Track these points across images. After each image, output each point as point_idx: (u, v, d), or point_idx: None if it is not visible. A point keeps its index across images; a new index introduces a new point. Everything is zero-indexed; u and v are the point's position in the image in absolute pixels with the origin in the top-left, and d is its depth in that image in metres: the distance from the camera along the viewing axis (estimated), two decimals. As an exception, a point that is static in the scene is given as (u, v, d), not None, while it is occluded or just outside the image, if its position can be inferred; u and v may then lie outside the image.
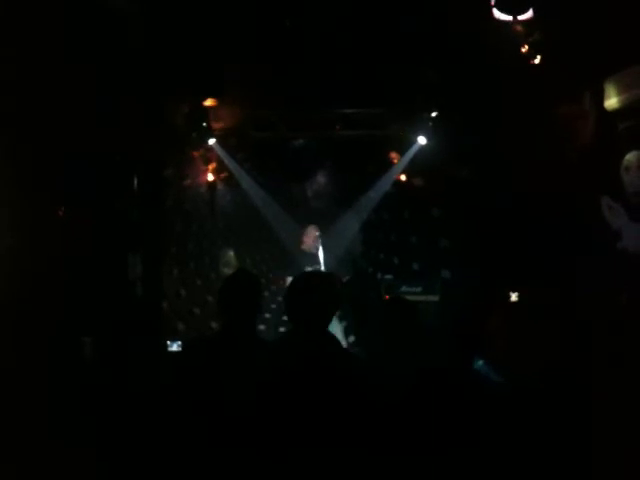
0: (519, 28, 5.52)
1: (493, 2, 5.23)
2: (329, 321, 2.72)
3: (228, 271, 8.13)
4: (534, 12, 5.26)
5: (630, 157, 5.43)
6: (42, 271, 4.40)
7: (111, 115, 5.39)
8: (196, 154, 8.38)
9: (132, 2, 5.30)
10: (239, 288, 3.06)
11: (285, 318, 8.58)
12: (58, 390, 3.05)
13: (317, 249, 6.97)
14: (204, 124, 7.70)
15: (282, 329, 8.31)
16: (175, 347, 4.25)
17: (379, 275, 7.97)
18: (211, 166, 8.60)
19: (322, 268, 6.74)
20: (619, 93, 5.54)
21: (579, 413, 2.87)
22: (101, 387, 2.78)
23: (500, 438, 2.54)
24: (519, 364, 4.25)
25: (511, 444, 2.54)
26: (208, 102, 7.52)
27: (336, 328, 6.56)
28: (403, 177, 8.95)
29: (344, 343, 6.47)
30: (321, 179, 9.19)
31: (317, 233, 7.05)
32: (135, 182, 6.47)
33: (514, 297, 6.57)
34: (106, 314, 4.53)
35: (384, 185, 8.68)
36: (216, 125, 7.96)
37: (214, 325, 7.15)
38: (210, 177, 8.66)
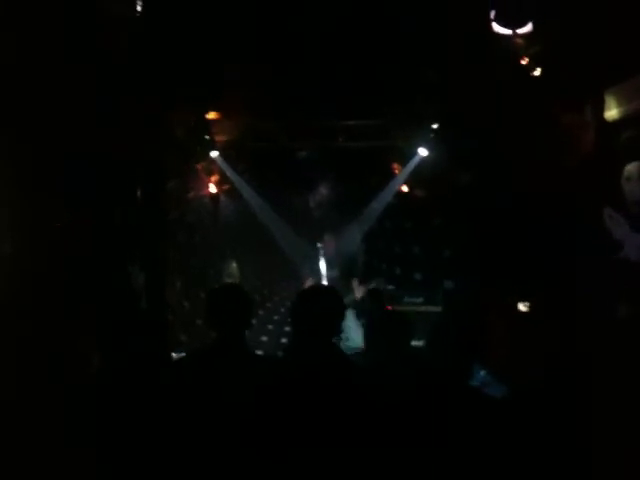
0: (519, 41, 5.56)
1: (492, 16, 5.26)
2: (334, 332, 2.77)
3: (230, 282, 8.14)
4: (533, 25, 5.30)
5: (631, 167, 5.45)
6: (42, 273, 4.40)
7: (112, 120, 5.41)
8: (199, 166, 8.42)
9: (131, 5, 5.32)
10: (222, 303, 3.09)
11: (287, 329, 8.62)
12: (59, 395, 3.05)
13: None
14: (207, 137, 7.75)
15: (284, 340, 8.33)
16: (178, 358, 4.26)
17: (381, 286, 7.97)
18: (214, 178, 8.65)
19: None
20: (619, 104, 5.57)
21: (579, 421, 2.88)
22: (104, 393, 2.79)
23: (498, 446, 2.56)
24: (522, 373, 4.25)
25: (508, 453, 2.56)
26: (211, 115, 7.57)
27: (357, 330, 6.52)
28: (405, 188, 8.99)
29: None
30: (323, 190, 9.22)
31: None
32: (138, 193, 6.50)
33: (523, 307, 6.56)
34: (109, 321, 4.53)
35: (386, 196, 8.71)
36: (218, 138, 8.01)
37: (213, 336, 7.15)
38: (213, 189, 8.70)
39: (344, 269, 7.08)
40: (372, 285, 7.04)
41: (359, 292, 6.88)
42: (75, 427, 2.59)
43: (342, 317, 2.82)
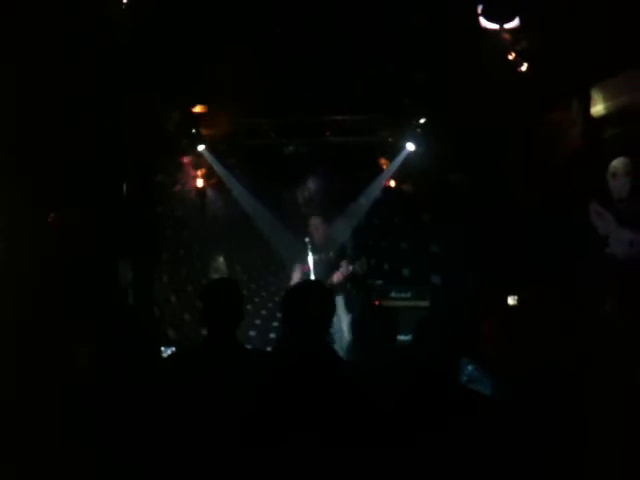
0: (506, 36, 5.57)
1: (480, 11, 5.27)
2: (326, 328, 2.78)
3: (218, 277, 8.13)
4: (520, 21, 5.32)
5: (616, 163, 5.49)
6: (36, 273, 4.39)
7: (100, 116, 5.39)
8: (186, 160, 8.38)
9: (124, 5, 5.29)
10: (216, 298, 3.09)
11: (275, 324, 8.60)
12: (56, 394, 3.05)
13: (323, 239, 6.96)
14: (194, 130, 7.72)
15: (272, 335, 8.34)
16: (169, 353, 4.26)
17: (369, 280, 8.00)
18: (201, 172, 8.62)
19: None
20: (606, 100, 5.60)
21: (570, 419, 2.89)
22: (98, 390, 2.79)
23: (482, 444, 2.57)
24: (516, 369, 4.27)
25: (492, 451, 2.57)
26: (198, 109, 7.54)
27: (343, 322, 6.50)
28: (393, 183, 9.00)
29: (347, 336, 6.36)
30: (311, 185, 9.22)
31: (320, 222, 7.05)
32: (125, 188, 6.48)
33: (512, 301, 6.59)
34: (98, 318, 4.51)
35: (374, 191, 8.73)
36: (206, 132, 7.98)
37: (205, 332, 7.14)
38: (200, 183, 8.67)
39: (334, 255, 7.00)
40: (354, 267, 6.99)
41: (336, 276, 6.82)
42: (70, 426, 2.58)
43: (333, 313, 2.83)
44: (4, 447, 2.71)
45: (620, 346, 4.15)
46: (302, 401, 2.50)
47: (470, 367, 3.99)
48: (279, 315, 8.03)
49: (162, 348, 4.06)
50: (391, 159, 8.58)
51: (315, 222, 6.99)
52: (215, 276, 8.42)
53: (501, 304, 6.55)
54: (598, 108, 5.67)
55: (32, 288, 4.32)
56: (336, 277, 6.79)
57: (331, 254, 6.94)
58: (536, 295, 6.08)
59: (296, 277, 6.78)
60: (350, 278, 7.02)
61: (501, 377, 3.86)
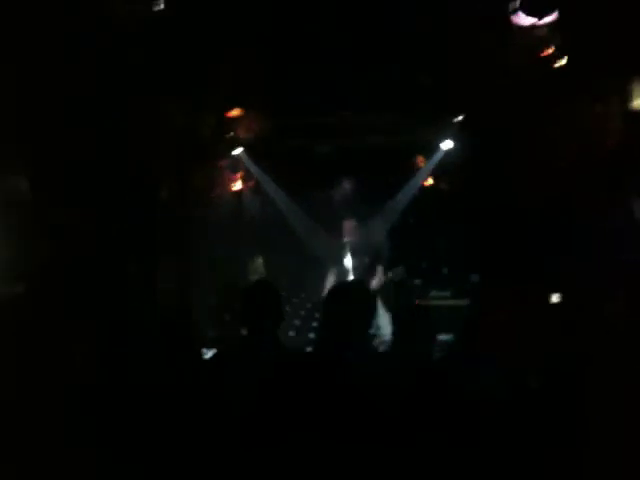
0: (542, 31, 5.50)
1: (517, 5, 5.21)
2: (365, 329, 2.79)
3: (257, 278, 8.16)
4: (559, 13, 5.24)
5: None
6: (36, 273, 4.41)
7: (107, 118, 5.40)
8: (223, 163, 8.45)
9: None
10: (255, 299, 3.11)
11: (314, 324, 8.58)
12: (56, 394, 3.07)
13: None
14: (231, 133, 7.78)
15: (311, 335, 8.35)
16: (210, 355, 4.28)
17: (408, 280, 7.95)
18: (239, 175, 8.68)
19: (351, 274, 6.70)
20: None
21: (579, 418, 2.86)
22: (102, 390, 2.82)
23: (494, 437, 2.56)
24: (521, 369, 4.23)
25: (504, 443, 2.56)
26: (234, 112, 7.58)
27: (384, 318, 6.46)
28: (430, 181, 8.96)
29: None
30: (347, 185, 9.21)
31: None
32: (158, 192, 6.54)
33: (555, 299, 6.51)
34: (99, 318, 4.48)
35: (411, 189, 8.69)
36: (242, 134, 8.03)
37: (245, 332, 7.16)
38: (238, 186, 8.74)
39: (370, 259, 6.94)
40: (391, 275, 6.93)
41: (376, 282, 6.74)
42: (70, 426, 2.61)
43: (373, 313, 2.84)
44: (4, 447, 2.74)
45: (624, 346, 4.06)
46: (344, 401, 2.51)
47: (478, 368, 3.94)
48: (317, 315, 8.05)
49: (203, 350, 4.09)
50: (428, 157, 8.55)
51: (350, 225, 6.93)
52: (254, 277, 8.46)
53: (505, 304, 6.47)
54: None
55: (32, 288, 4.33)
56: (374, 283, 6.72)
57: (366, 260, 6.87)
58: (539, 295, 6.02)
59: (330, 281, 6.75)
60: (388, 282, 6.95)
61: (506, 377, 3.82)
